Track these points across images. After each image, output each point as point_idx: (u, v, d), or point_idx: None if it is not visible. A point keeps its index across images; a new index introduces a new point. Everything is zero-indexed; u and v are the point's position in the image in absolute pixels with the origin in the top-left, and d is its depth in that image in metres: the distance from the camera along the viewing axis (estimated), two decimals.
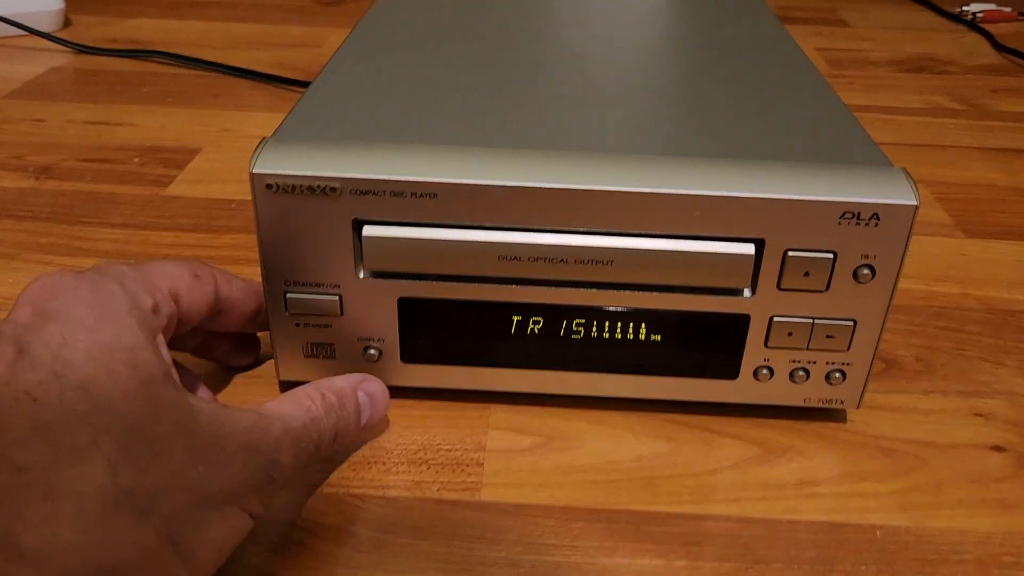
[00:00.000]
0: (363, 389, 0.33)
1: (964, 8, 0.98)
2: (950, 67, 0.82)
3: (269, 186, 0.31)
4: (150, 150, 0.58)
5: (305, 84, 0.70)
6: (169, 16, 0.88)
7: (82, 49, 0.76)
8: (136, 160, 0.57)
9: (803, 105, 0.38)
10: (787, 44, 0.47)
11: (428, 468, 0.34)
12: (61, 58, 0.75)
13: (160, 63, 0.75)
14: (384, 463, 0.34)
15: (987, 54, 0.86)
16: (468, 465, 0.34)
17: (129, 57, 0.75)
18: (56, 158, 0.57)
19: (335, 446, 0.31)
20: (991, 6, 0.98)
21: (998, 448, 0.36)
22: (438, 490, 0.33)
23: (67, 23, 0.84)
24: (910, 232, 0.31)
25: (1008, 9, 0.98)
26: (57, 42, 0.77)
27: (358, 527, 0.31)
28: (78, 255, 0.46)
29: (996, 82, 0.78)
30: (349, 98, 0.37)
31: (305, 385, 0.31)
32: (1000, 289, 0.47)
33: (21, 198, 0.52)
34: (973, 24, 0.96)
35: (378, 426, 0.35)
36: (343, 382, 0.32)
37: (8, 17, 0.77)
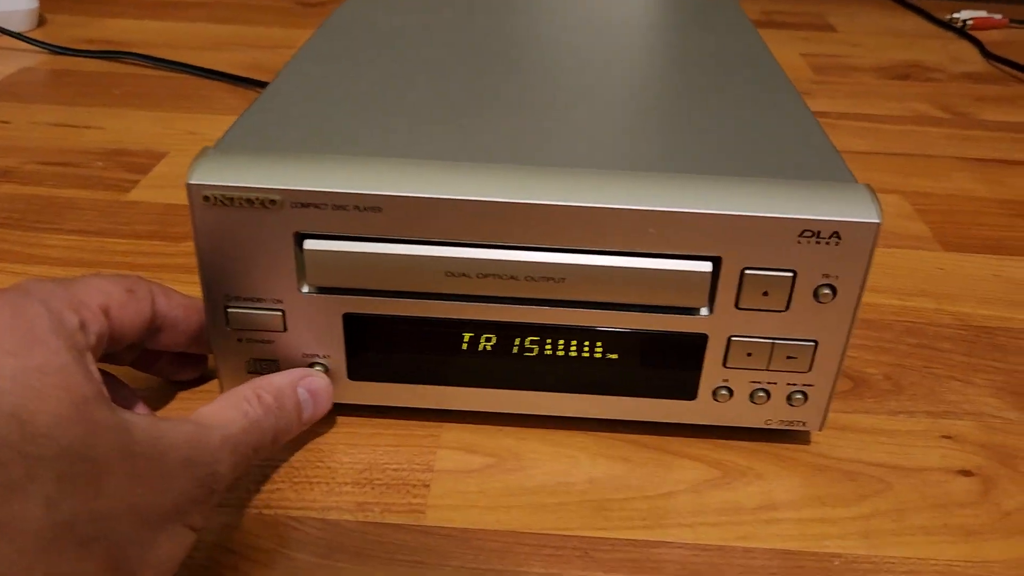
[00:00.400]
0: (304, 385, 0.32)
1: (955, 15, 0.97)
2: (936, 74, 0.81)
3: (206, 198, 0.30)
4: (114, 154, 0.57)
5: None
6: (148, 16, 0.87)
7: (54, 49, 0.75)
8: (99, 164, 0.56)
9: (771, 118, 0.37)
10: (761, 55, 0.45)
11: (373, 489, 0.32)
12: (33, 58, 0.74)
13: (133, 64, 0.73)
14: (328, 483, 0.33)
15: (975, 62, 0.85)
16: (414, 486, 0.33)
17: (102, 58, 0.74)
18: (18, 161, 0.56)
19: (275, 447, 0.30)
20: (982, 13, 0.97)
21: (965, 472, 0.34)
22: (381, 512, 0.31)
23: (42, 22, 0.83)
24: (872, 250, 0.30)
25: (999, 16, 0.97)
26: (29, 42, 0.75)
27: (295, 551, 0.30)
28: (30, 262, 0.45)
29: (982, 91, 0.77)
30: (300, 107, 0.36)
31: (243, 385, 0.30)
32: (976, 304, 0.46)
33: None
34: (963, 31, 0.95)
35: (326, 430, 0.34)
36: (281, 379, 0.31)
37: None
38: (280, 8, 0.93)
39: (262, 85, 0.69)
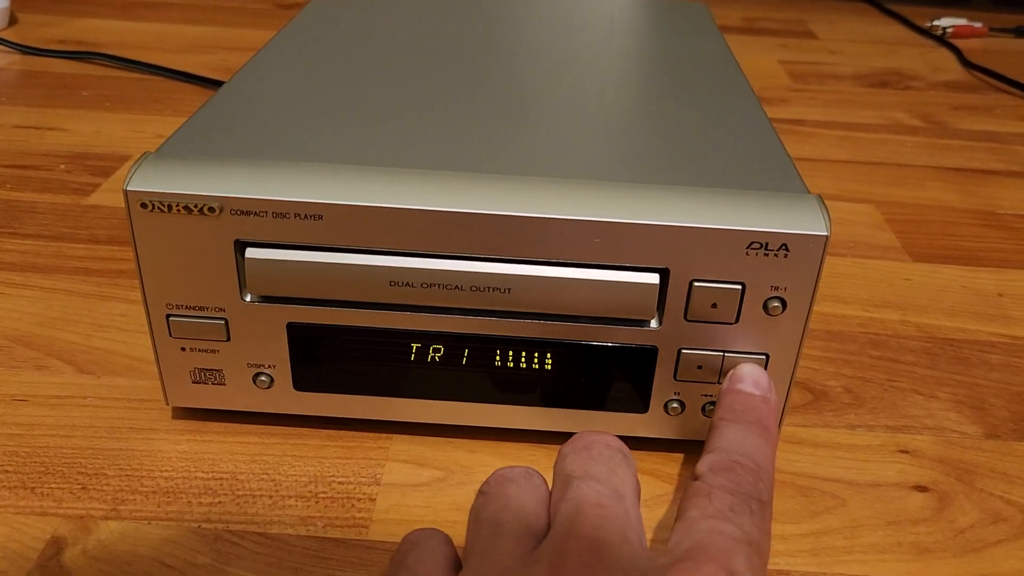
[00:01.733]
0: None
1: (935, 23, 0.97)
2: (914, 83, 0.80)
3: (144, 205, 0.29)
4: (78, 156, 0.57)
5: None
6: (121, 17, 0.87)
7: (24, 49, 0.74)
8: (62, 167, 0.55)
9: (728, 126, 0.36)
10: (725, 62, 0.45)
11: (317, 503, 0.32)
12: (2, 59, 0.73)
13: (104, 65, 0.73)
14: (271, 496, 0.32)
15: (953, 70, 0.85)
16: (359, 500, 0.32)
17: (72, 59, 0.73)
18: None
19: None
20: (962, 21, 0.97)
21: (921, 488, 0.34)
22: (324, 527, 0.31)
23: (13, 21, 0.83)
24: (821, 263, 0.30)
25: (979, 24, 0.97)
26: None
27: (233, 567, 0.29)
28: None
29: (959, 99, 0.77)
30: (249, 111, 0.35)
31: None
32: (941, 316, 0.45)
33: None
34: (943, 39, 0.94)
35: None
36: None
37: None
38: (257, 10, 0.92)
39: None
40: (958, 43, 0.93)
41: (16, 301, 0.42)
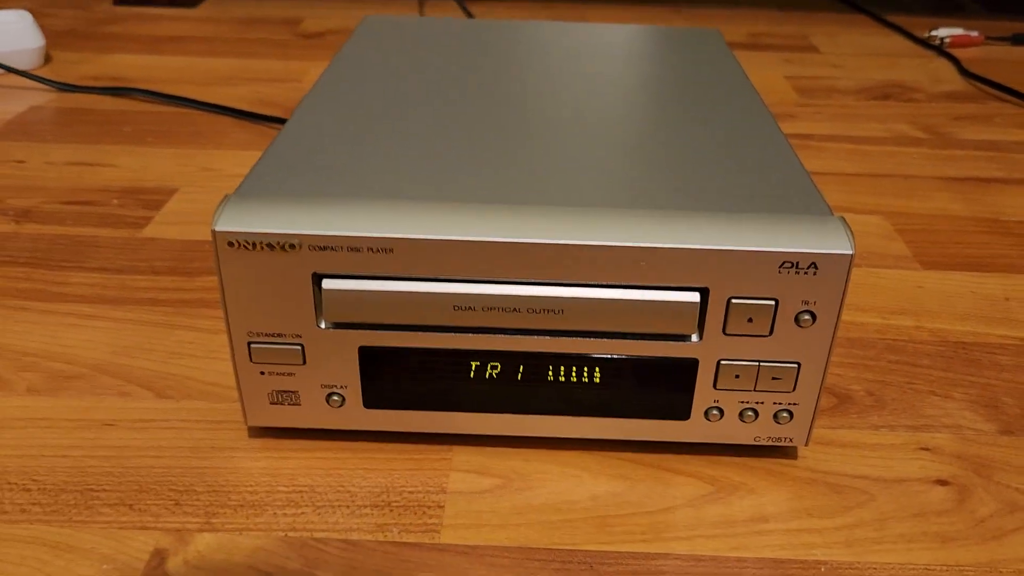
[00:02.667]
0: None
1: (933, 32, 1.00)
2: (916, 94, 0.84)
3: (231, 243, 0.33)
4: (129, 191, 0.60)
5: (284, 120, 0.71)
6: (149, 52, 0.90)
7: (63, 87, 0.77)
8: (115, 202, 0.58)
9: (752, 154, 0.39)
10: (743, 89, 0.48)
11: (391, 511, 0.35)
12: (42, 96, 0.77)
13: (141, 100, 0.76)
14: (348, 506, 0.35)
15: (953, 80, 0.88)
16: (429, 507, 0.35)
17: (110, 95, 0.77)
18: (37, 201, 0.58)
19: None
20: (959, 31, 1.00)
21: (942, 482, 0.37)
22: (400, 532, 0.34)
23: (48, 60, 0.86)
24: (847, 278, 0.33)
25: (975, 33, 1.00)
26: (38, 80, 0.78)
27: (320, 571, 0.32)
28: (57, 300, 0.47)
29: (959, 109, 0.80)
30: (311, 151, 0.38)
31: None
32: (953, 321, 0.48)
33: (1, 243, 0.53)
34: (941, 49, 0.98)
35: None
36: None
37: None
38: (279, 41, 0.95)
39: (269, 120, 0.72)
40: (956, 52, 0.96)
41: (91, 332, 0.45)
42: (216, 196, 0.59)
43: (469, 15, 0.98)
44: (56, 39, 0.93)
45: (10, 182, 0.61)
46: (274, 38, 0.96)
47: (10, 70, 0.79)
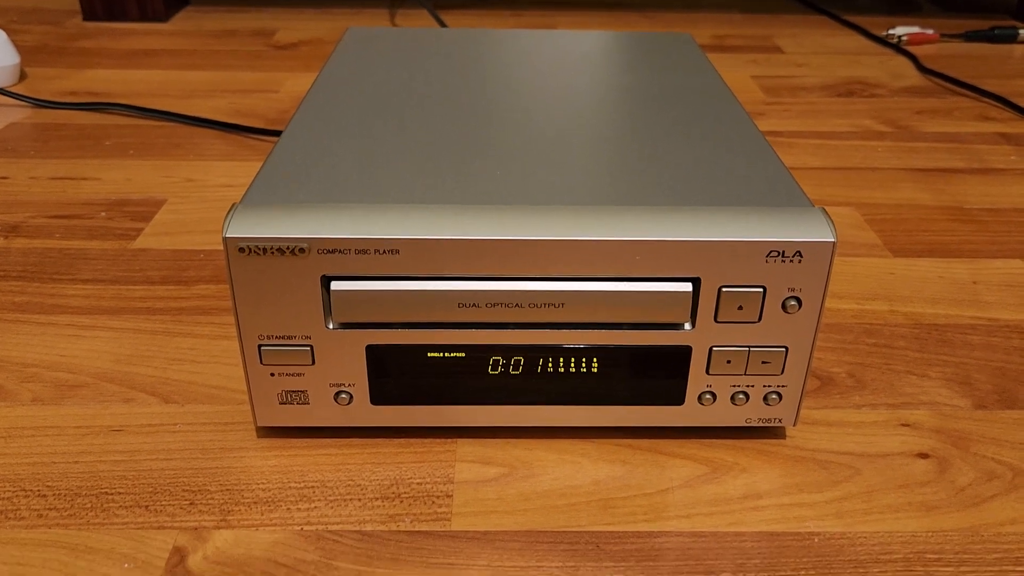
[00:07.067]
0: None
1: (890, 31, 1.03)
2: (878, 90, 0.86)
3: (242, 249, 0.34)
4: (116, 203, 0.60)
5: (264, 131, 0.72)
6: (124, 67, 0.90)
7: (40, 103, 0.78)
8: (103, 214, 0.59)
9: (734, 151, 0.41)
10: (720, 91, 0.50)
11: (401, 502, 0.36)
12: (19, 113, 0.77)
13: (120, 115, 0.76)
14: (359, 499, 0.36)
15: (912, 76, 0.91)
16: (439, 497, 0.36)
17: (89, 110, 0.77)
18: (24, 216, 0.58)
19: None
20: (915, 29, 1.03)
21: (923, 455, 0.39)
22: (412, 522, 0.35)
23: (23, 76, 0.86)
24: (830, 265, 0.35)
25: (931, 31, 1.03)
26: (15, 97, 0.78)
27: (338, 562, 0.33)
28: (54, 312, 0.48)
29: (920, 104, 0.83)
30: (310, 160, 0.39)
31: None
32: (925, 305, 0.50)
33: None
34: (899, 47, 1.01)
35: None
36: None
37: None
38: (253, 52, 0.96)
39: (249, 130, 0.72)
40: (913, 50, 1.00)
41: (91, 342, 0.45)
42: (203, 206, 0.60)
43: (442, 24, 1.00)
44: (29, 55, 0.93)
45: None
46: (248, 49, 0.97)
47: None
